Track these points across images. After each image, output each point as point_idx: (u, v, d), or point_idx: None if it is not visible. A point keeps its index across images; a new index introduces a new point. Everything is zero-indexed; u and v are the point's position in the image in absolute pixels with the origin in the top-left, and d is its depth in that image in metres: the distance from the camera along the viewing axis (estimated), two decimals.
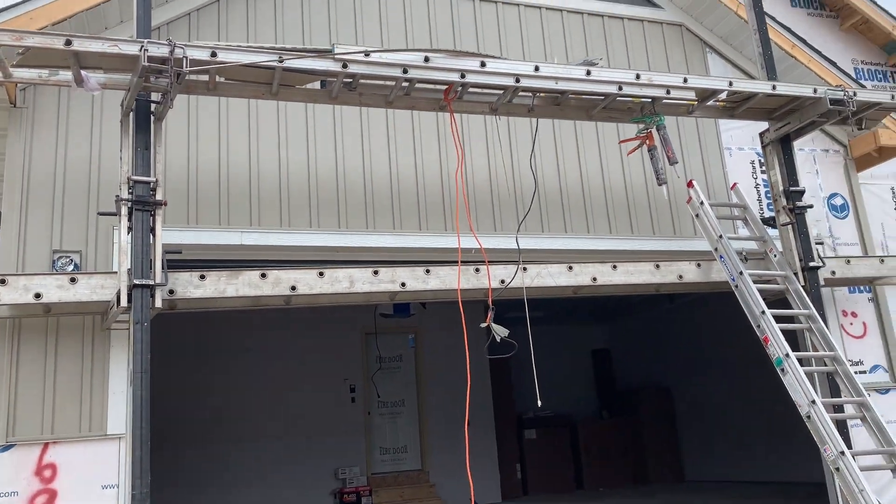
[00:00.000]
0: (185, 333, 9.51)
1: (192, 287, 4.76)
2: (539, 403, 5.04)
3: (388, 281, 5.21)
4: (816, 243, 6.18)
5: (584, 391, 14.50)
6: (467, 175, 6.20)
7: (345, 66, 4.59)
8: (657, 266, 5.89)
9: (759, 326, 5.52)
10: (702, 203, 6.09)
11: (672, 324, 12.61)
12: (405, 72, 4.71)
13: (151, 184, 4.52)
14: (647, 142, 5.52)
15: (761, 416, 10.48)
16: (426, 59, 4.74)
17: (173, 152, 5.45)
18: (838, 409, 5.58)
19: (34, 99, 5.19)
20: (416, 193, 6.04)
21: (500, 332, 4.77)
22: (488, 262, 5.14)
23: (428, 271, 5.31)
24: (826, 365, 5.59)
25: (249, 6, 6.00)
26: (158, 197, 4.54)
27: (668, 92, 5.34)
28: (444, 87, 5.01)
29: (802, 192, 6.08)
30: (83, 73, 4.38)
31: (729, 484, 11.11)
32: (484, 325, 4.78)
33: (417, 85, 5.00)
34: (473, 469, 11.14)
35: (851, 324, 7.06)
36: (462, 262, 5.34)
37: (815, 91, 5.72)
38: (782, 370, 5.29)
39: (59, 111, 5.27)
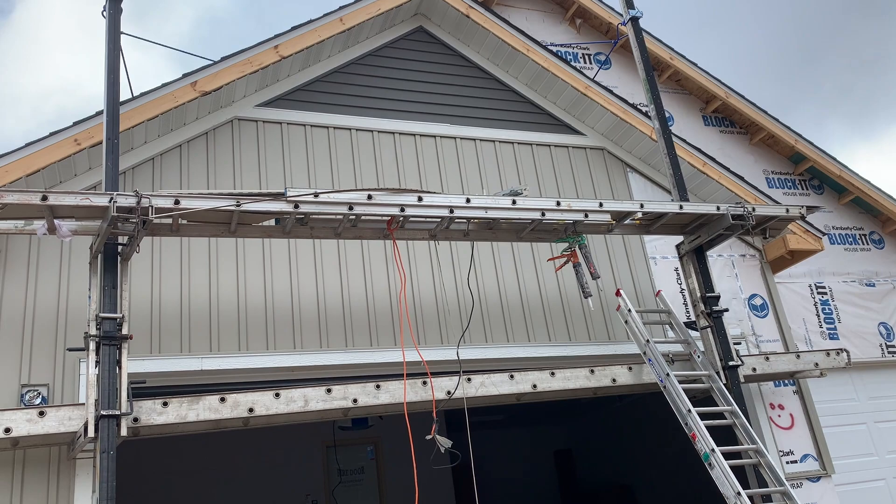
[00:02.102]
0: (143, 457, 9.61)
1: (155, 414, 5.07)
2: None
3: (341, 398, 5.58)
4: (735, 343, 6.75)
5: (547, 494, 14.58)
6: (414, 292, 6.71)
7: (296, 206, 5.14)
8: (592, 371, 6.37)
9: (686, 424, 5.98)
10: (629, 310, 6.66)
11: (627, 421, 12.98)
12: (351, 209, 5.27)
13: (118, 319, 4.91)
14: (572, 259, 6.11)
15: None
16: (369, 197, 5.31)
17: (137, 287, 5.87)
18: (766, 498, 5.99)
19: (7, 242, 5.60)
20: (367, 312, 6.51)
21: (444, 443, 5.14)
22: (431, 374, 5.57)
23: (378, 386, 5.70)
24: (751, 458, 6.04)
25: (209, 149, 6.59)
26: (124, 331, 4.91)
27: (586, 215, 5.97)
28: (387, 219, 5.57)
29: (718, 298, 6.69)
30: (56, 221, 4.84)
31: None
32: (429, 437, 5.14)
33: (363, 218, 5.55)
34: None
35: (780, 416, 7.57)
36: (410, 374, 5.76)
37: (718, 208, 6.43)
38: (710, 464, 5.72)
39: (31, 253, 5.68)
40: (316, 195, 5.15)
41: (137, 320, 5.77)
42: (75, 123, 5.85)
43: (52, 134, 5.74)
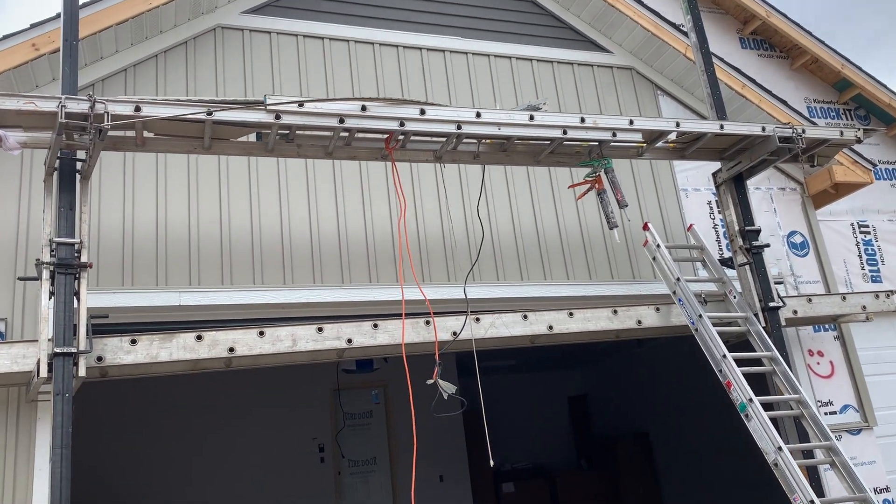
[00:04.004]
0: (136, 399, 9.19)
1: (122, 353, 4.49)
2: (492, 463, 4.75)
3: (334, 338, 4.98)
4: (776, 282, 6.07)
5: (561, 440, 14.18)
6: (418, 223, 6.05)
7: (278, 117, 4.45)
8: (615, 312, 5.73)
9: (720, 371, 5.34)
10: (658, 246, 5.97)
11: (646, 367, 12.40)
12: (342, 121, 4.57)
13: (76, 245, 4.30)
14: (597, 186, 5.40)
15: (744, 461, 10.21)
16: (363, 108, 4.61)
17: (108, 213, 5.26)
18: (808, 454, 5.39)
19: None
20: (366, 244, 5.86)
21: (448, 388, 4.53)
22: (433, 313, 4.96)
23: (376, 325, 5.09)
24: (792, 408, 5.41)
25: (189, 60, 5.88)
26: (83, 259, 4.31)
27: (614, 134, 5.24)
28: (385, 136, 4.87)
29: (758, 232, 5.98)
30: (1, 132, 4.19)
31: None
32: (430, 381, 4.55)
33: (357, 135, 4.87)
34: None
35: (818, 363, 6.91)
36: (412, 314, 5.14)
37: (763, 129, 5.67)
38: (746, 416, 5.10)
39: None
40: (300, 104, 4.44)
41: (108, 249, 5.17)
42: (32, 26, 5.16)
43: (5, 37, 5.05)
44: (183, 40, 5.88)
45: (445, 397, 4.60)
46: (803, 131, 5.71)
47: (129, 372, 4.73)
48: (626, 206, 5.28)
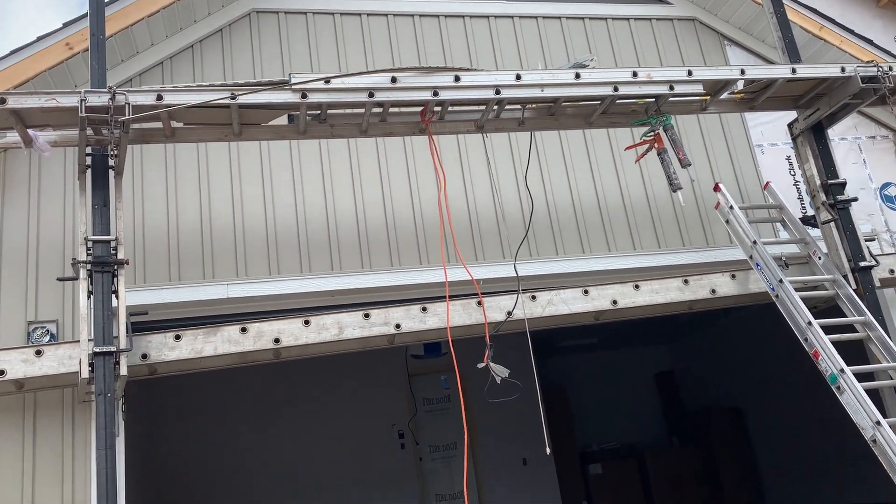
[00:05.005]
0: (211, 392, 9.28)
1: (166, 349, 4.42)
2: (548, 451, 4.44)
3: (382, 323, 4.78)
4: (868, 240, 5.48)
5: (650, 418, 13.66)
6: (468, 199, 5.76)
7: (304, 96, 4.24)
8: (685, 281, 5.30)
9: (806, 340, 4.85)
10: (731, 207, 5.49)
11: (735, 339, 11.74)
12: (371, 95, 4.32)
13: (112, 242, 4.23)
14: (656, 145, 4.97)
15: (843, 434, 9.50)
16: (393, 80, 4.35)
17: (152, 209, 5.20)
18: None
19: (3, 162, 5.00)
20: (414, 226, 5.62)
21: (500, 372, 4.26)
22: (481, 293, 4.67)
23: (425, 309, 4.86)
24: (891, 378, 4.86)
25: (225, 48, 5.76)
26: (120, 256, 4.23)
27: (671, 88, 4.80)
28: (420, 108, 4.60)
29: (844, 185, 5.40)
30: (31, 132, 4.15)
31: None
32: (482, 365, 4.27)
33: (391, 109, 4.61)
34: None
35: None
36: (461, 295, 4.88)
37: (842, 70, 5.09)
38: (838, 388, 4.61)
39: (31, 172, 5.06)
40: (326, 81, 4.22)
41: (153, 245, 5.12)
42: (65, 25, 5.13)
43: (39, 39, 5.05)
44: (218, 28, 5.76)
45: (498, 381, 4.33)
46: (890, 69, 5.10)
47: (177, 368, 4.66)
48: (690, 165, 4.83)
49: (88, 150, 4.26)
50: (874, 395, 4.65)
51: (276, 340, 4.59)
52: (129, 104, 3.96)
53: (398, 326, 4.78)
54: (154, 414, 8.93)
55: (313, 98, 4.27)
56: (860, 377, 4.59)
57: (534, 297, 5.01)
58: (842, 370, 4.58)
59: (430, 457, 10.67)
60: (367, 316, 4.75)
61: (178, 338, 4.46)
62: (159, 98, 4.05)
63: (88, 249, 4.19)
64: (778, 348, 10.50)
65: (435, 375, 10.46)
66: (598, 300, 5.14)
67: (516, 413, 9.38)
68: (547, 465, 10.60)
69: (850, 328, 5.05)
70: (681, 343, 13.63)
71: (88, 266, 4.16)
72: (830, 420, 9.39)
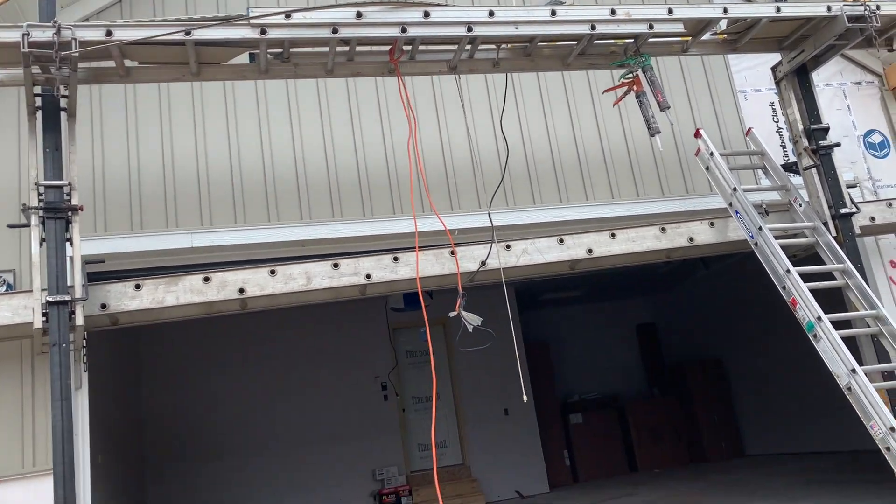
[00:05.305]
0: (196, 343, 9.23)
1: (126, 299, 4.27)
2: (525, 398, 4.36)
3: (352, 273, 4.64)
4: (849, 187, 5.37)
5: (631, 369, 13.74)
6: (443, 146, 5.58)
7: (263, 31, 4.02)
8: (662, 229, 5.18)
9: (784, 288, 4.76)
10: (711, 153, 5.35)
11: (715, 291, 11.74)
12: (335, 31, 4.10)
13: (65, 188, 4.04)
14: (635, 87, 4.79)
15: (820, 383, 9.54)
16: (359, 15, 4.13)
17: (112, 153, 4.99)
18: (888, 376, 4.79)
19: None
20: (387, 174, 5.45)
21: (472, 320, 4.14)
22: (454, 244, 4.52)
23: (396, 259, 4.72)
24: (869, 326, 4.80)
25: None
26: (74, 202, 4.05)
27: (650, 27, 4.61)
28: (388, 47, 4.38)
29: (827, 129, 5.26)
30: None
31: (791, 457, 10.23)
32: (453, 313, 4.16)
33: (358, 48, 4.39)
34: (516, 461, 10.60)
35: None
36: (434, 245, 4.74)
37: (829, 9, 4.90)
38: (815, 336, 4.54)
39: None
40: (287, 15, 3.99)
41: (113, 192, 4.93)
42: None
43: None
44: None
45: (470, 329, 4.21)
46: (877, 7, 4.92)
47: (139, 318, 4.52)
48: (669, 107, 4.66)
49: (38, 90, 4.05)
50: (851, 343, 4.60)
51: (241, 290, 4.45)
52: (75, 39, 3.73)
53: (368, 276, 4.64)
54: (143, 365, 9.01)
55: (273, 34, 4.05)
56: (837, 325, 4.52)
57: (508, 247, 4.87)
58: (819, 318, 4.51)
59: (413, 408, 10.70)
60: (336, 266, 4.61)
61: (138, 287, 4.31)
62: (108, 34, 3.82)
63: (40, 195, 4.00)
64: (757, 299, 10.51)
65: (416, 328, 10.41)
66: (574, 249, 5.02)
67: (498, 364, 9.38)
68: (528, 415, 10.65)
69: (829, 276, 4.97)
70: (662, 296, 13.63)
71: (40, 212, 3.98)
72: (809, 370, 9.48)
